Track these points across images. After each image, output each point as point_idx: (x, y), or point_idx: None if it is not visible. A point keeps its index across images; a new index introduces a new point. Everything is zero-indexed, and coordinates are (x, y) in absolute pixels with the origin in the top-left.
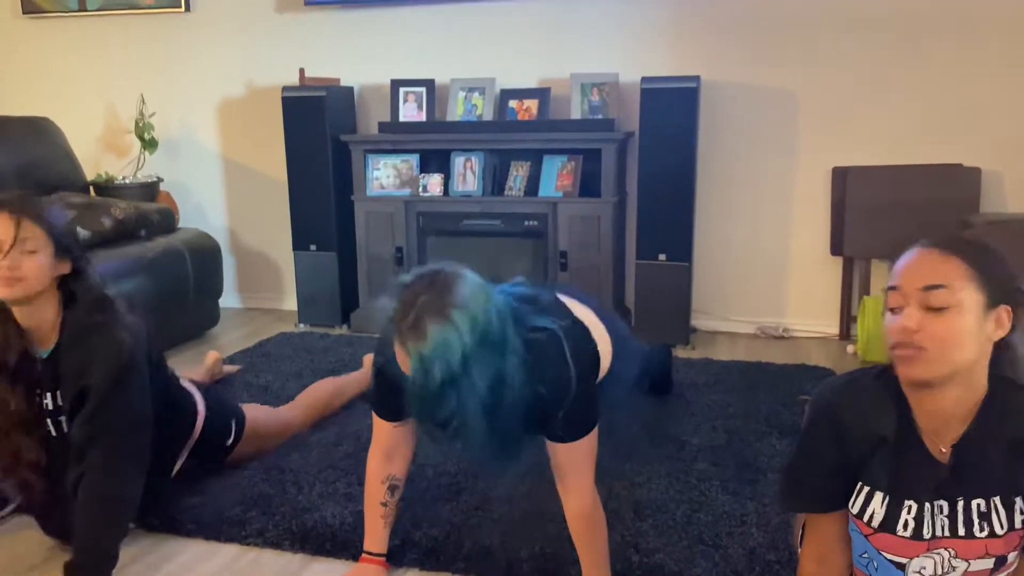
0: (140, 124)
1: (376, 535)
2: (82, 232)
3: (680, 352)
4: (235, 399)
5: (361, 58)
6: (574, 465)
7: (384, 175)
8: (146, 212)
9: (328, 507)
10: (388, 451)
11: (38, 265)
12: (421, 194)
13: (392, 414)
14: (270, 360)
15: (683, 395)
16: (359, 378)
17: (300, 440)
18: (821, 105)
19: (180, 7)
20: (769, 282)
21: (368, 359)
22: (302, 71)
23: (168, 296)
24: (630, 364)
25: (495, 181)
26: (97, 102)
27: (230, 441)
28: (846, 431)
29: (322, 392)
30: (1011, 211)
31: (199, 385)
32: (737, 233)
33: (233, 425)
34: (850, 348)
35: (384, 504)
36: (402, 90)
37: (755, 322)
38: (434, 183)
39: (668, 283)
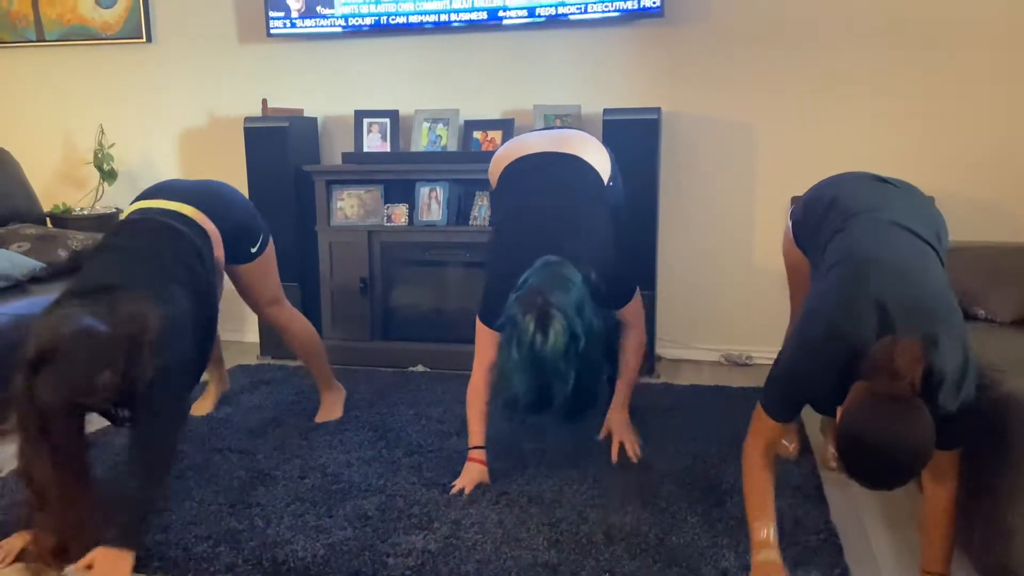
0: (99, 155)
1: (482, 432)
2: (37, 263)
3: (644, 380)
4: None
5: (325, 89)
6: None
7: (348, 205)
8: None
9: (298, 540)
10: (491, 363)
11: None
12: (385, 224)
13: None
14: (230, 393)
15: (644, 419)
16: (324, 364)
17: (264, 474)
18: (778, 136)
19: (142, 37)
20: (732, 310)
21: None
22: (265, 102)
23: None
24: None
25: (460, 211)
26: (55, 133)
27: (255, 248)
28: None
29: (308, 324)
30: (964, 239)
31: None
32: (700, 262)
33: (261, 236)
34: None
35: (487, 403)
36: (366, 121)
37: (719, 349)
38: (398, 213)
39: None
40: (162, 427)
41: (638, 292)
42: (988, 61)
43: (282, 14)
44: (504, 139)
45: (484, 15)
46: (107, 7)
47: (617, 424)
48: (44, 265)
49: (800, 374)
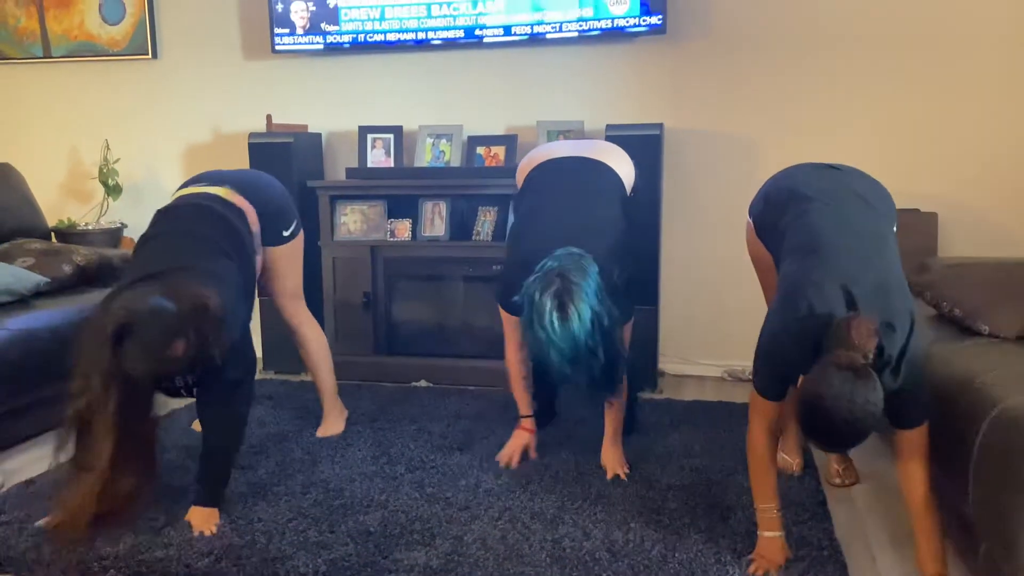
0: (104, 170)
1: (526, 402)
2: (41, 278)
3: (647, 396)
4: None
5: (329, 105)
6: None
7: (351, 220)
8: (108, 258)
9: (300, 556)
10: (520, 342)
11: None
12: (388, 239)
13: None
14: None
15: (648, 435)
16: (329, 377)
17: (266, 489)
18: (781, 151)
19: (147, 54)
20: (735, 325)
21: None
22: (269, 117)
23: None
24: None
25: (463, 226)
26: (61, 148)
27: (288, 232)
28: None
29: (320, 333)
30: (967, 254)
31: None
32: (702, 277)
33: (295, 222)
34: None
35: (525, 377)
36: (370, 136)
37: (722, 365)
38: (401, 228)
39: (635, 327)
40: (234, 390)
41: (631, 319)
42: (992, 75)
43: (287, 30)
44: (507, 155)
45: (461, 33)
46: (114, 23)
47: (611, 461)
48: (48, 280)
49: (778, 352)
